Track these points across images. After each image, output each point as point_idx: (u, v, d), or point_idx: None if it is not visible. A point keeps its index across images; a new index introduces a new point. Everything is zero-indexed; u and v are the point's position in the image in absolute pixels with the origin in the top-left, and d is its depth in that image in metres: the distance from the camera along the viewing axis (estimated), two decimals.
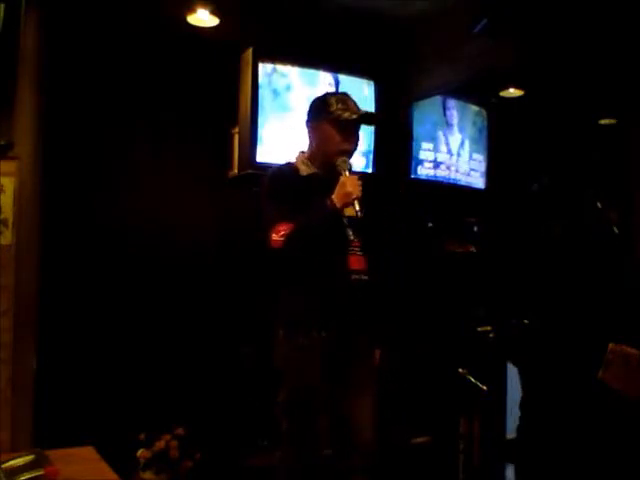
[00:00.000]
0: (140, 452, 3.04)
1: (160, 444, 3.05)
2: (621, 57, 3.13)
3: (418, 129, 3.78)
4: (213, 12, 3.16)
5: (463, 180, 4.07)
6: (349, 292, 2.22)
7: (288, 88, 3.22)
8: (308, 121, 2.37)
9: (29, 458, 1.56)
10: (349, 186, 2.15)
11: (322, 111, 2.29)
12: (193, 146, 3.56)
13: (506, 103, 4.17)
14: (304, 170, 2.32)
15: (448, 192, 3.98)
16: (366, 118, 2.43)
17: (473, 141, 4.11)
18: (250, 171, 3.18)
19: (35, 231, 2.83)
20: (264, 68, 3.22)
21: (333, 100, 2.29)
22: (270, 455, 2.37)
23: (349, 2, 3.20)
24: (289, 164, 2.39)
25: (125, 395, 3.16)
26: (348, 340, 2.23)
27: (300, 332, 2.20)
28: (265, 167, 2.78)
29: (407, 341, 3.54)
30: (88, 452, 1.84)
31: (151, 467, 3.03)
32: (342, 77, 3.45)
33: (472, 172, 4.11)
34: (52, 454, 1.62)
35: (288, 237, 2.13)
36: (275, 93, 3.18)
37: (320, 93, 2.50)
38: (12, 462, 1.53)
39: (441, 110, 3.92)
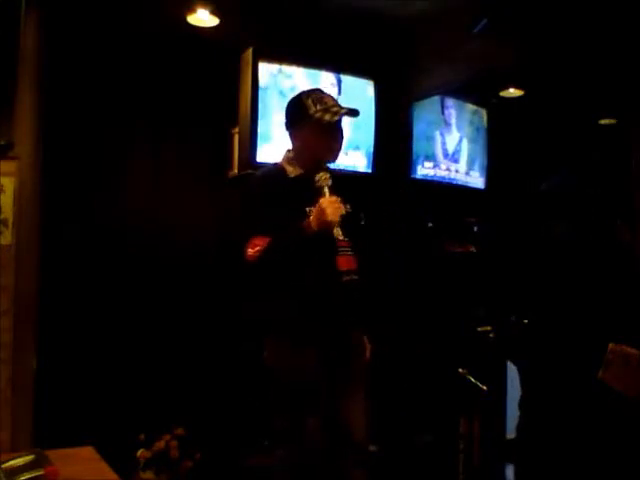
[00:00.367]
0: (140, 452, 3.04)
1: (160, 444, 3.05)
2: (621, 57, 3.13)
3: (417, 128, 3.77)
4: (213, 12, 3.16)
5: (463, 180, 4.07)
6: (338, 294, 2.19)
7: (293, 89, 3.22)
8: (288, 126, 2.33)
9: (29, 458, 1.55)
10: (329, 214, 2.07)
11: (301, 116, 2.24)
12: (193, 146, 3.56)
13: (506, 103, 4.17)
14: (291, 172, 2.30)
15: (448, 192, 3.98)
16: (348, 114, 2.34)
17: (471, 140, 4.11)
18: (250, 171, 3.18)
19: (35, 231, 2.83)
20: (270, 69, 3.23)
21: (310, 102, 2.23)
22: (270, 455, 2.37)
23: (349, 2, 3.19)
24: (276, 165, 2.36)
25: (125, 395, 3.16)
26: (339, 340, 2.21)
27: (290, 333, 2.20)
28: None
29: (407, 341, 3.54)
30: (88, 452, 1.83)
31: (151, 467, 3.03)
32: (345, 78, 3.45)
33: (471, 172, 4.12)
34: (52, 454, 1.62)
35: (262, 255, 2.11)
36: (281, 94, 3.18)
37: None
38: (12, 462, 1.52)
39: (439, 109, 3.92)
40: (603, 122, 4.26)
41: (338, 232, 2.23)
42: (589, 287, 2.51)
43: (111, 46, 3.28)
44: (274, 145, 3.11)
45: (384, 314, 2.84)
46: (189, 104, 3.51)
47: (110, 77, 3.30)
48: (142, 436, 3.08)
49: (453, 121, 3.99)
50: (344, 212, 2.12)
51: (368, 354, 2.40)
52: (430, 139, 3.85)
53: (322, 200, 2.10)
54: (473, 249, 3.98)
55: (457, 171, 4.02)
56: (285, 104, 2.38)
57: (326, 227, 2.09)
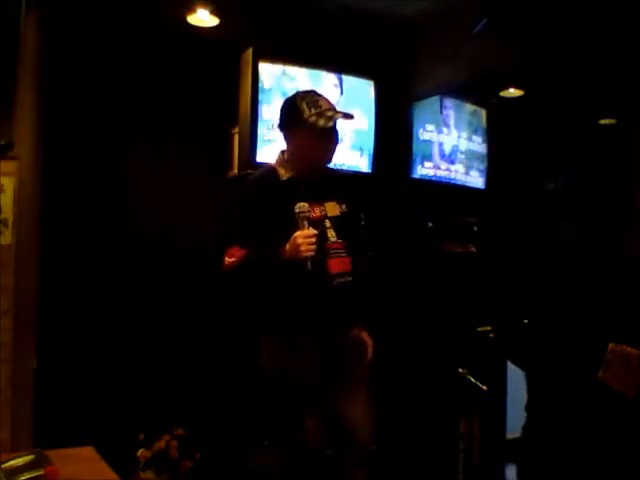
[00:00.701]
0: (140, 452, 3.04)
1: (160, 444, 3.05)
2: (621, 57, 3.13)
3: (416, 128, 3.77)
4: (213, 12, 3.16)
5: (462, 180, 4.07)
6: (329, 298, 2.19)
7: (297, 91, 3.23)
8: (282, 127, 2.32)
9: (29, 458, 1.56)
10: (302, 250, 2.05)
11: (296, 119, 2.23)
12: (193, 146, 3.56)
13: (506, 103, 4.17)
14: (283, 174, 2.28)
15: (448, 192, 3.98)
16: (342, 118, 2.31)
17: (470, 141, 4.11)
18: (250, 171, 3.18)
19: (35, 231, 2.83)
20: (273, 71, 3.23)
21: (304, 105, 2.22)
22: (270, 455, 2.37)
23: (349, 2, 3.19)
24: (269, 168, 2.35)
25: (125, 395, 3.16)
26: (332, 341, 2.21)
27: (284, 334, 2.20)
28: None
29: (407, 341, 3.54)
30: (88, 452, 1.84)
31: (151, 467, 3.03)
32: (346, 78, 3.44)
33: (471, 172, 4.11)
34: (52, 454, 1.62)
35: (236, 268, 2.13)
36: (285, 96, 3.17)
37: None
38: (12, 462, 1.53)
39: (438, 109, 3.92)
40: (603, 122, 4.26)
41: (332, 234, 2.23)
42: (589, 287, 2.52)
43: (111, 46, 3.27)
44: (278, 148, 3.11)
45: (384, 314, 2.84)
46: (189, 104, 3.51)
47: (110, 77, 3.30)
48: (142, 436, 3.08)
49: (451, 122, 3.98)
50: (315, 248, 2.08)
51: (371, 351, 2.36)
52: (427, 140, 3.85)
53: (298, 234, 2.08)
54: (473, 249, 3.98)
55: (457, 171, 4.02)
56: None
57: (298, 259, 2.07)
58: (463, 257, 3.92)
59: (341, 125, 2.35)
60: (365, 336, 2.36)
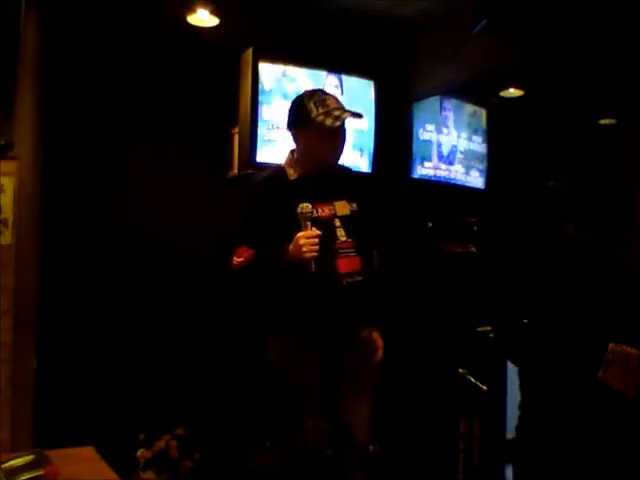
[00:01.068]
0: (140, 452, 3.05)
1: (160, 444, 3.05)
2: (621, 57, 3.13)
3: (416, 128, 3.77)
4: (213, 12, 3.16)
5: (462, 180, 4.07)
6: (337, 298, 2.18)
7: (297, 93, 3.22)
8: (290, 127, 2.32)
9: (29, 458, 1.56)
10: (304, 251, 2.06)
11: (303, 118, 2.23)
12: (193, 146, 3.56)
13: (506, 103, 4.17)
14: (292, 174, 2.29)
15: (448, 192, 3.98)
16: (350, 117, 2.30)
17: (470, 141, 4.11)
18: (250, 171, 3.18)
19: (35, 231, 2.83)
20: (274, 72, 3.23)
21: (312, 105, 2.21)
22: (270, 455, 2.37)
23: (349, 2, 3.20)
24: (278, 168, 2.36)
25: (125, 395, 3.16)
26: (338, 341, 2.20)
27: (291, 334, 2.20)
28: (266, 167, 2.78)
29: (407, 341, 3.54)
30: (88, 452, 1.84)
31: (151, 467, 3.03)
32: (346, 78, 3.44)
33: (471, 172, 4.12)
34: (52, 454, 1.62)
35: (244, 267, 2.15)
36: (286, 97, 3.18)
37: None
38: (12, 462, 1.53)
39: (438, 110, 3.93)
40: (603, 122, 4.26)
41: (341, 233, 2.23)
42: (589, 287, 2.52)
43: (111, 46, 3.27)
44: (279, 148, 3.10)
45: (384, 314, 2.84)
46: (189, 104, 3.51)
47: (110, 77, 3.30)
48: (142, 436, 3.08)
49: (450, 123, 3.99)
50: (317, 250, 2.07)
51: (380, 352, 2.34)
52: (426, 140, 3.85)
53: (300, 235, 2.08)
54: (473, 249, 3.98)
55: (457, 171, 4.02)
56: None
57: (301, 260, 2.07)
58: (463, 257, 3.92)
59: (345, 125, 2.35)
60: (376, 337, 2.35)
